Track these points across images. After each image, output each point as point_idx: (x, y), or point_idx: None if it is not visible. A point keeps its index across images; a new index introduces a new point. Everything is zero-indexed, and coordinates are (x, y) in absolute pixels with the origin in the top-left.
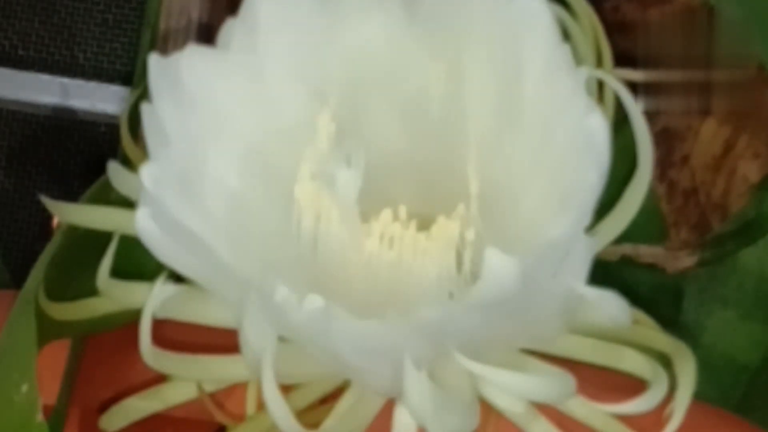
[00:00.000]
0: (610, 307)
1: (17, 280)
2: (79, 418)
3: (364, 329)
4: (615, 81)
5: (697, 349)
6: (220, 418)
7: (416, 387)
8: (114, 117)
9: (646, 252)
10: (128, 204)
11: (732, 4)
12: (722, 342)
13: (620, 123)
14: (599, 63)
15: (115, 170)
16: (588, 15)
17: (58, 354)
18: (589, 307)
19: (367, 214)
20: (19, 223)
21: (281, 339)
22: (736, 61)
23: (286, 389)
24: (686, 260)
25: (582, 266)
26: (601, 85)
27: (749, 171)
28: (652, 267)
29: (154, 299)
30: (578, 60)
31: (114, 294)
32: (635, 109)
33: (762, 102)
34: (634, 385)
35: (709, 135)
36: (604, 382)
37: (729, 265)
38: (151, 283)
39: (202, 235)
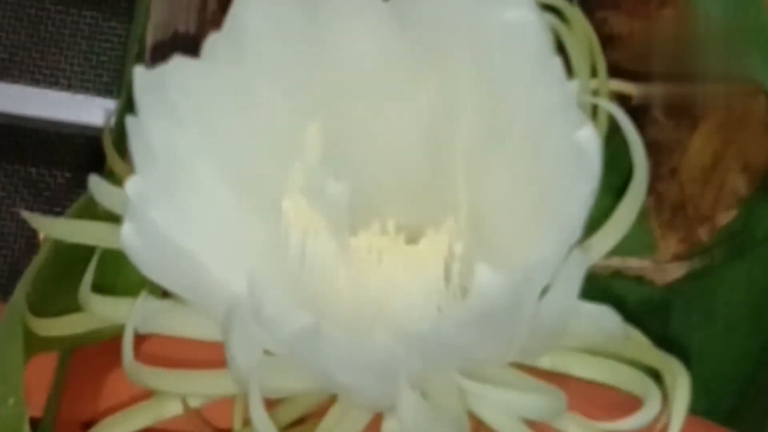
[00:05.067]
0: (603, 321)
1: (4, 294)
2: None
3: (353, 346)
4: (605, 98)
5: (685, 362)
6: None
7: (408, 402)
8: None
9: (634, 265)
10: (115, 218)
11: (714, 2)
12: (710, 354)
13: (610, 133)
14: (593, 73)
15: (97, 184)
16: (582, 25)
17: (45, 367)
18: (581, 322)
19: (355, 227)
20: (5, 236)
21: (268, 352)
22: (725, 73)
23: (273, 403)
24: (674, 273)
25: (574, 280)
26: (594, 94)
27: (738, 184)
28: (640, 280)
29: (135, 314)
30: (572, 71)
31: (96, 309)
32: (628, 123)
33: (750, 114)
34: (625, 400)
35: (698, 148)
36: (596, 397)
37: (717, 277)
38: (134, 298)
39: (189, 249)
